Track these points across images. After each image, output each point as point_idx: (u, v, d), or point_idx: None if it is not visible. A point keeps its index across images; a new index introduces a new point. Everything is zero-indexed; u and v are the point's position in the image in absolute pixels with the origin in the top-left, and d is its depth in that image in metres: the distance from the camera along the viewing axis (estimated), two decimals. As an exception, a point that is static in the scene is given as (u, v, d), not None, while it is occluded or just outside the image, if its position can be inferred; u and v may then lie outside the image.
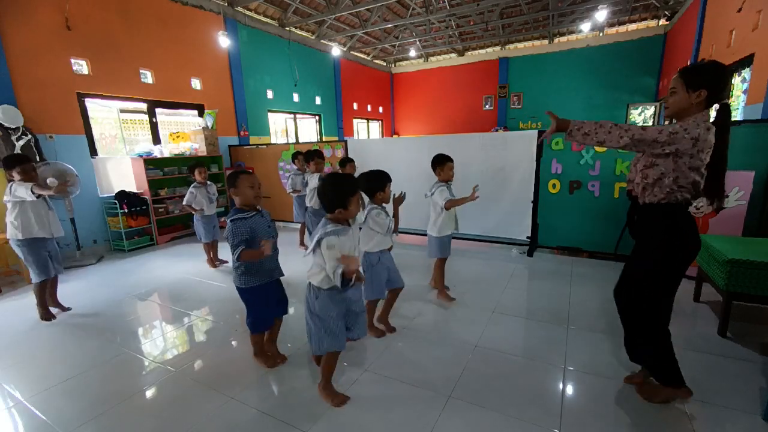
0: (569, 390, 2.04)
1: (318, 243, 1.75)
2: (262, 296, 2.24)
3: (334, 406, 1.94)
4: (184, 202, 4.18)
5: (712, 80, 1.58)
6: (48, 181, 3.78)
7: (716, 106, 1.66)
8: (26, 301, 3.58)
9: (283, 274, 2.35)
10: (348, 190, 1.78)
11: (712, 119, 1.64)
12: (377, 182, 2.37)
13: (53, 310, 3.28)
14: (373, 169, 2.43)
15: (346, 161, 4.22)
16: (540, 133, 4.07)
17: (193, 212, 4.19)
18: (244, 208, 2.15)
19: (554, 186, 4.13)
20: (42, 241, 3.11)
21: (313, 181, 4.17)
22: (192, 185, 4.22)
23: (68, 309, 3.36)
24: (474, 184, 2.98)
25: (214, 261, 4.39)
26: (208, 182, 4.33)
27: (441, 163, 3.00)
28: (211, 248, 4.38)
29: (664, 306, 1.80)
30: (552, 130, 1.82)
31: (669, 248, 1.70)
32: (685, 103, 1.63)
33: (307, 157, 4.29)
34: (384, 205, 2.45)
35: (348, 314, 1.95)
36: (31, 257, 3.06)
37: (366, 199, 2.44)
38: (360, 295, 2.03)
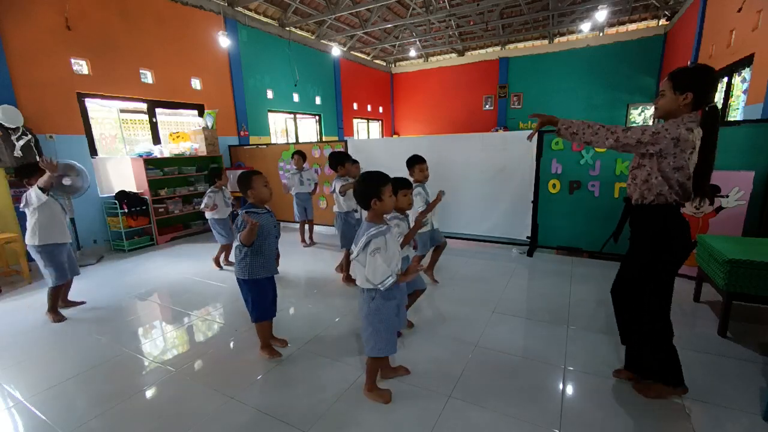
0: (569, 390, 2.04)
1: (365, 246, 1.76)
2: (263, 289, 2.36)
3: (385, 403, 1.97)
4: (202, 206, 4.18)
5: (698, 83, 1.63)
6: (62, 180, 3.81)
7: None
8: (26, 301, 3.58)
9: (277, 272, 2.44)
10: (381, 180, 1.83)
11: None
12: (396, 185, 2.36)
13: (66, 310, 3.30)
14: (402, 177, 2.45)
15: (351, 163, 4.13)
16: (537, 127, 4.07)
17: (209, 211, 4.19)
18: (257, 204, 2.29)
19: (554, 186, 4.13)
20: (61, 246, 3.11)
21: (338, 184, 3.83)
22: (209, 190, 4.19)
23: (82, 303, 3.43)
24: (441, 189, 2.92)
25: (226, 261, 4.40)
26: (224, 187, 4.34)
27: (419, 162, 3.12)
28: (227, 249, 4.37)
29: (661, 305, 1.81)
30: (538, 125, 1.93)
31: (657, 249, 1.75)
32: (673, 105, 1.68)
33: (338, 161, 3.95)
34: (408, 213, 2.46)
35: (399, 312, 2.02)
36: (51, 263, 3.04)
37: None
38: (404, 290, 2.09)
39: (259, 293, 2.35)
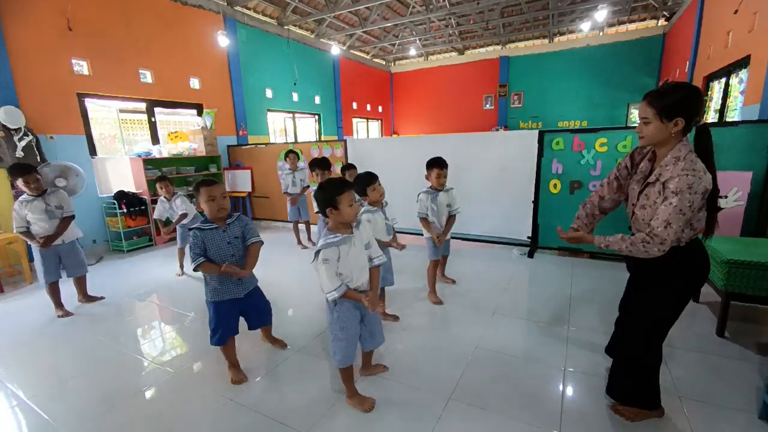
0: (569, 391, 2.05)
1: (316, 254, 1.70)
2: (223, 313, 2.17)
3: (365, 412, 1.91)
4: (155, 216, 4.09)
5: (687, 107, 1.42)
6: (56, 181, 3.81)
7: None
8: (28, 301, 3.59)
9: (241, 295, 2.21)
10: (336, 188, 1.71)
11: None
12: (363, 183, 2.47)
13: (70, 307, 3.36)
14: (368, 171, 2.54)
15: (346, 168, 3.88)
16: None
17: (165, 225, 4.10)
18: (210, 219, 2.09)
19: (555, 186, 4.13)
20: (53, 247, 3.15)
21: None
22: (159, 199, 4.10)
23: (102, 298, 3.54)
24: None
25: (182, 269, 4.24)
26: (177, 193, 4.09)
27: (436, 167, 2.99)
28: (182, 255, 4.23)
29: (657, 338, 1.71)
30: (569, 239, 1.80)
31: (686, 284, 1.61)
32: (663, 134, 1.47)
33: (312, 165, 3.92)
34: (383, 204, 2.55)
35: (364, 320, 1.95)
36: (41, 263, 3.15)
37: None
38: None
39: (218, 316, 2.15)
